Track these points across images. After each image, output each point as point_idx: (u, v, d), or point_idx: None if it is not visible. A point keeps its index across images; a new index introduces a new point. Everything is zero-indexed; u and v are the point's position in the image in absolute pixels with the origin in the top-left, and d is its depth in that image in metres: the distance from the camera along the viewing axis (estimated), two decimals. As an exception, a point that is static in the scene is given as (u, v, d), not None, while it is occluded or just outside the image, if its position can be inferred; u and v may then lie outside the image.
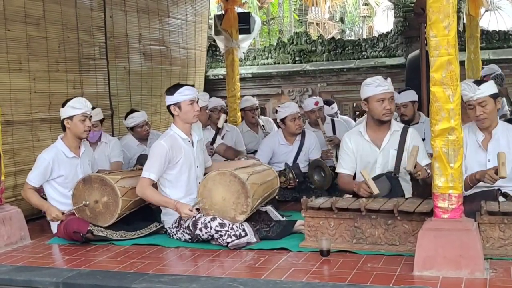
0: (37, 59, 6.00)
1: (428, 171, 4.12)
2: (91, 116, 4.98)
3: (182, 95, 4.60)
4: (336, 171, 4.69)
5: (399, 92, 6.26)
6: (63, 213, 4.70)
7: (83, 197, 4.68)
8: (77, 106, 4.80)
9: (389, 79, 4.48)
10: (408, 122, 6.17)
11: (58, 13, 6.27)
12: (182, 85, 4.69)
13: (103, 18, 6.98)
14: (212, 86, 9.93)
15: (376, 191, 4.13)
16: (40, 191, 4.92)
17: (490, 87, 4.20)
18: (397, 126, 4.56)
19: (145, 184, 4.53)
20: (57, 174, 4.81)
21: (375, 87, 4.40)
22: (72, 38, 6.46)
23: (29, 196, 4.82)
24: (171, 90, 4.66)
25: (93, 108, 5.18)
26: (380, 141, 4.49)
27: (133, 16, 7.59)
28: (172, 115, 4.70)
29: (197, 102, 4.69)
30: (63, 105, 4.87)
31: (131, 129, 6.38)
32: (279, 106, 6.36)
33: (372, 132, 4.53)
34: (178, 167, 4.60)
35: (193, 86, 4.81)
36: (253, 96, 8.09)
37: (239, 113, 7.94)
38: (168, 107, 4.67)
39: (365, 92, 4.47)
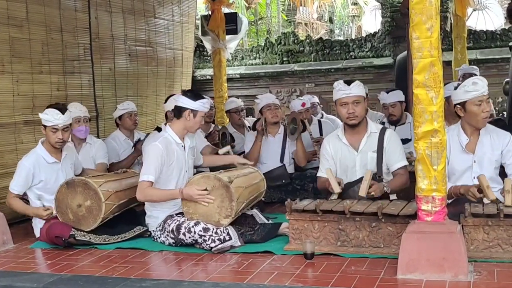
0: (20, 61, 5.92)
1: (386, 187, 4.19)
2: (68, 125, 4.80)
3: (204, 106, 4.62)
4: (317, 175, 4.68)
5: (387, 92, 6.27)
6: (47, 209, 4.64)
7: (66, 201, 4.62)
8: (48, 119, 4.68)
9: (354, 84, 4.39)
10: (396, 122, 6.20)
11: (42, 15, 6.19)
12: (203, 96, 4.69)
13: (87, 19, 6.91)
14: (199, 87, 9.87)
15: (337, 190, 4.20)
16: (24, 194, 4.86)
17: None
18: (374, 127, 4.53)
19: (145, 187, 4.44)
20: (38, 179, 4.75)
21: (337, 91, 4.42)
22: (56, 39, 6.39)
23: (13, 204, 4.78)
24: (194, 96, 4.61)
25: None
26: (357, 143, 4.47)
27: (119, 17, 7.51)
28: (176, 116, 4.64)
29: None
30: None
31: (119, 118, 6.28)
32: (257, 98, 6.36)
33: (349, 135, 4.52)
34: (170, 170, 4.55)
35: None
36: (239, 97, 8.05)
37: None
38: (179, 108, 4.60)
39: (333, 95, 4.51)
